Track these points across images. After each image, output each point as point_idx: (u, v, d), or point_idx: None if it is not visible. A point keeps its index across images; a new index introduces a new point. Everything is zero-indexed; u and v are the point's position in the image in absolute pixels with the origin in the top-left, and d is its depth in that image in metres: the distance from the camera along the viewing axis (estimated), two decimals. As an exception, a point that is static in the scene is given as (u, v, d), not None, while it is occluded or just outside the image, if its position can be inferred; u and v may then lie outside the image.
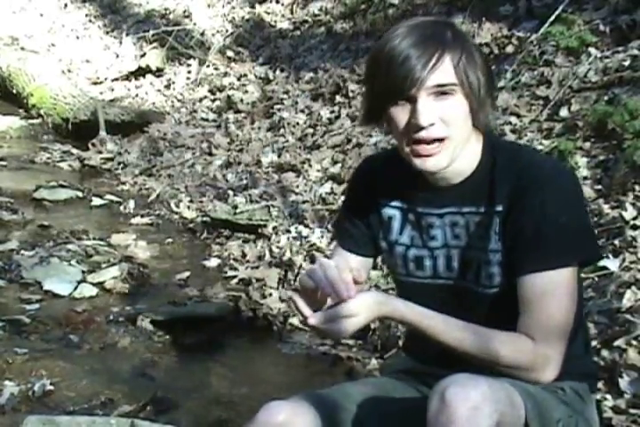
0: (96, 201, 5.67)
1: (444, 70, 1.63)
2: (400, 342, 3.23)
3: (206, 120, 6.83)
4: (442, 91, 1.64)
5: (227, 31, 8.12)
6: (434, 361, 1.85)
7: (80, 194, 5.75)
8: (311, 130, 5.66)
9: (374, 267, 3.77)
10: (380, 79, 1.67)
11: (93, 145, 6.85)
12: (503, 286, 1.73)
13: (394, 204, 1.87)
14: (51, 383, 3.12)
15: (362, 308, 1.60)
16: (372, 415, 1.80)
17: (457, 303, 1.78)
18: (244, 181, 5.37)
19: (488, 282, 1.75)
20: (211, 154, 6.08)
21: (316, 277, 1.58)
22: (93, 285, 4.12)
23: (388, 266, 1.96)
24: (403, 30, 1.66)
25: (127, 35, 8.96)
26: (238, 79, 7.25)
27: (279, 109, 6.22)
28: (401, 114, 1.67)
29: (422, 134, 1.66)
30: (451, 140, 1.67)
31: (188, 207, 5.38)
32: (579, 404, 1.76)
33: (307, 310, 1.60)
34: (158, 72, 8.13)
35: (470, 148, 1.75)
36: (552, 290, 1.66)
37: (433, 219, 1.81)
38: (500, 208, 1.72)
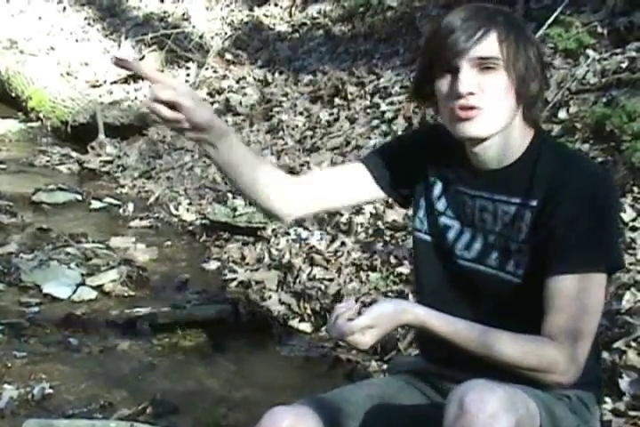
0: (95, 204, 5.66)
1: (489, 44, 1.67)
2: (400, 345, 3.23)
3: (205, 123, 6.82)
4: (484, 64, 1.68)
5: (225, 34, 8.13)
6: (445, 361, 1.84)
7: (79, 197, 5.75)
8: (310, 132, 5.66)
9: (374, 269, 3.79)
10: (429, 51, 1.74)
11: (92, 148, 6.85)
12: (526, 278, 1.74)
13: (439, 172, 1.89)
14: (50, 387, 3.11)
15: (381, 318, 1.62)
16: (377, 420, 1.79)
17: (466, 285, 1.79)
18: (244, 184, 5.35)
19: (513, 269, 1.75)
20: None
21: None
22: (92, 288, 4.11)
23: (414, 226, 1.96)
24: (459, 9, 1.73)
25: (126, 38, 8.97)
26: (237, 82, 7.25)
27: (278, 112, 6.22)
28: (445, 85, 1.72)
29: (461, 102, 1.69)
30: (486, 112, 1.69)
31: (188, 210, 5.38)
32: (585, 413, 1.76)
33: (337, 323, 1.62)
34: (157, 75, 8.12)
35: (514, 137, 1.76)
36: (580, 294, 1.65)
37: (466, 198, 1.83)
38: (534, 203, 1.73)
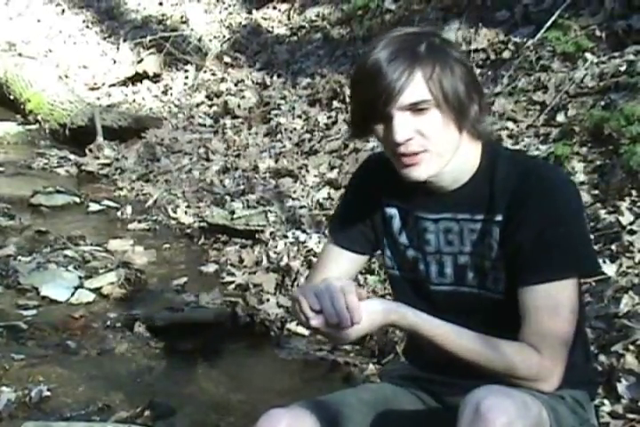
0: (93, 207, 5.67)
1: (416, 87, 1.63)
2: (397, 348, 3.23)
3: (203, 126, 6.84)
4: (416, 107, 1.64)
5: (224, 37, 8.13)
6: (434, 368, 1.84)
7: (77, 199, 5.75)
8: (308, 135, 5.66)
9: (371, 272, 3.79)
10: (357, 97, 1.71)
11: (90, 151, 6.85)
12: (507, 294, 1.73)
13: (394, 203, 1.87)
14: (48, 389, 3.12)
15: (366, 315, 1.59)
16: (373, 423, 1.79)
17: (451, 308, 1.78)
18: (242, 187, 5.37)
19: (493, 286, 1.75)
20: (208, 159, 6.08)
21: (323, 302, 1.56)
22: (90, 290, 4.12)
23: (385, 264, 1.95)
24: (380, 45, 1.66)
25: (124, 40, 8.97)
26: (235, 85, 7.26)
27: (276, 115, 6.23)
28: (381, 130, 1.69)
29: (401, 149, 1.67)
30: (432, 153, 1.67)
31: (186, 213, 5.38)
32: (582, 412, 1.76)
33: (310, 312, 1.59)
34: (155, 78, 8.14)
35: (465, 155, 1.74)
36: (554, 302, 1.66)
37: (428, 223, 1.81)
38: (499, 218, 1.72)
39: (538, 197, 1.67)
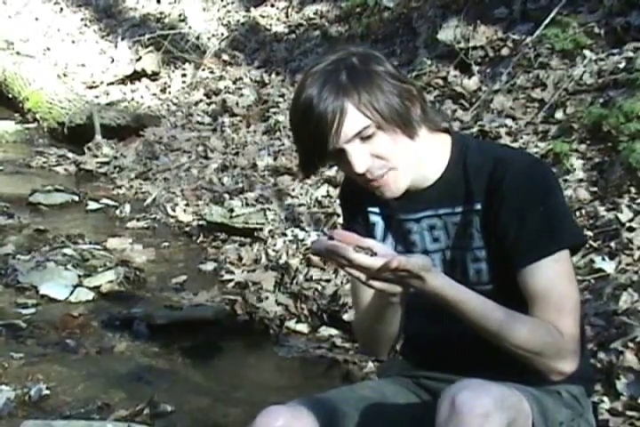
0: (92, 205, 5.67)
1: (352, 118, 1.63)
2: (396, 346, 3.23)
3: (202, 124, 6.83)
4: (362, 135, 1.65)
5: (222, 35, 8.13)
6: (430, 365, 1.85)
7: (76, 198, 5.75)
8: (307, 133, 5.65)
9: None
10: (302, 140, 1.71)
11: (89, 149, 6.85)
12: (494, 283, 1.73)
13: (376, 210, 1.87)
14: (47, 388, 3.11)
15: (424, 266, 1.57)
16: (372, 420, 1.79)
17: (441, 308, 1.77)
18: (240, 185, 5.36)
19: (477, 279, 1.75)
20: (206, 157, 6.08)
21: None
22: (89, 289, 4.11)
23: None
24: (306, 84, 1.66)
25: (123, 39, 8.97)
26: (234, 83, 7.25)
27: (275, 113, 6.23)
28: (338, 163, 1.71)
29: (367, 176, 1.69)
30: (396, 169, 1.69)
31: (184, 211, 5.38)
32: (577, 407, 1.76)
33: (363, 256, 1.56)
34: (154, 76, 8.13)
35: (431, 151, 1.76)
36: (554, 276, 1.67)
37: (410, 224, 1.82)
38: (478, 206, 1.73)
39: (512, 181, 1.69)
